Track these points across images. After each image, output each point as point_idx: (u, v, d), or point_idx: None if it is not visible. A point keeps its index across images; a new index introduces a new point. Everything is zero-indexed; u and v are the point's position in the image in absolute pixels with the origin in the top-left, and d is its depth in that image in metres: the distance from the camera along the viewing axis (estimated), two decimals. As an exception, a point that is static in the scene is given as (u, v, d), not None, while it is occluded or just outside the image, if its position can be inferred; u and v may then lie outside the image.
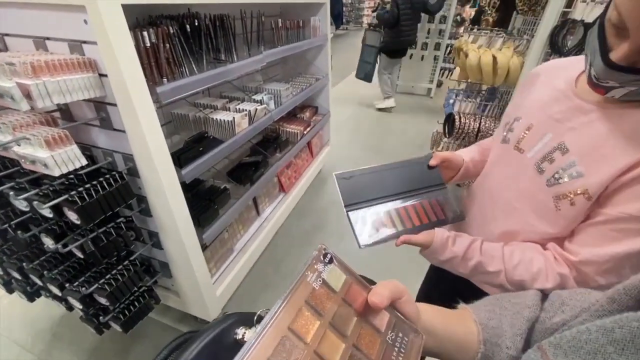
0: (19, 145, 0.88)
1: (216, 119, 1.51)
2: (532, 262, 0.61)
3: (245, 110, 1.59)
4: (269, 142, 2.15)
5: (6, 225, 1.08)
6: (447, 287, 0.77)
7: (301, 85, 2.24)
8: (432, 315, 0.43)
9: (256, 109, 1.62)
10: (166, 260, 1.36)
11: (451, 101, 2.17)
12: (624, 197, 0.52)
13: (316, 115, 2.72)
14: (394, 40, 3.88)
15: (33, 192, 0.95)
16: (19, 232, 1.06)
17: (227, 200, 1.61)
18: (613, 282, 0.52)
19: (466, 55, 1.94)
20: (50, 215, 0.97)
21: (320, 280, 0.37)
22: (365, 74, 4.14)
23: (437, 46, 4.76)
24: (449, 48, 4.82)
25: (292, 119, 2.53)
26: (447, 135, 2.18)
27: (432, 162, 0.76)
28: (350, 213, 0.66)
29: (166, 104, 1.56)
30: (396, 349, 0.36)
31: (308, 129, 2.44)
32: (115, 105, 0.98)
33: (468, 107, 2.11)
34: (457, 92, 2.22)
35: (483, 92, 2.21)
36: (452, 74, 5.50)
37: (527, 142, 0.66)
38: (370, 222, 0.66)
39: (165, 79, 1.11)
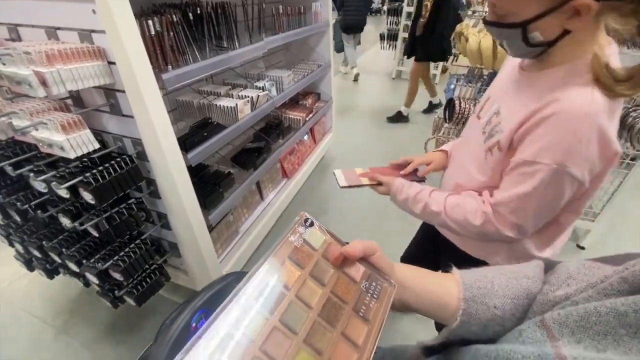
0: (36, 129, 0.94)
1: (219, 105, 1.56)
2: (466, 204, 0.77)
3: (248, 96, 1.63)
4: (272, 128, 2.20)
5: (26, 206, 1.17)
6: (428, 244, 1.03)
7: (303, 71, 2.26)
8: (406, 271, 0.49)
9: (258, 96, 1.66)
10: (175, 240, 1.44)
11: (452, 86, 2.18)
12: (522, 146, 0.65)
13: (318, 102, 2.74)
14: (342, 19, 4.74)
15: (51, 174, 1.02)
16: (38, 212, 1.14)
17: (232, 185, 1.68)
18: (522, 220, 0.71)
19: (467, 40, 1.94)
20: (67, 196, 1.04)
21: (301, 240, 0.43)
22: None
23: (442, 31, 4.69)
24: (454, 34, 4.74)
25: (294, 105, 2.57)
26: (448, 121, 2.19)
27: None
28: (335, 170, 1.01)
29: (171, 91, 1.61)
30: (369, 294, 0.41)
31: (310, 115, 2.47)
32: (123, 92, 1.03)
33: (469, 92, 2.12)
34: (458, 77, 2.22)
35: (484, 77, 2.21)
36: (457, 59, 5.43)
37: (484, 111, 0.80)
38: (349, 173, 0.99)
39: (170, 66, 1.16)
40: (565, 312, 0.33)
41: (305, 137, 2.67)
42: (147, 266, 1.33)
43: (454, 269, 0.54)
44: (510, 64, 0.78)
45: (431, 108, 4.13)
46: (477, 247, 0.88)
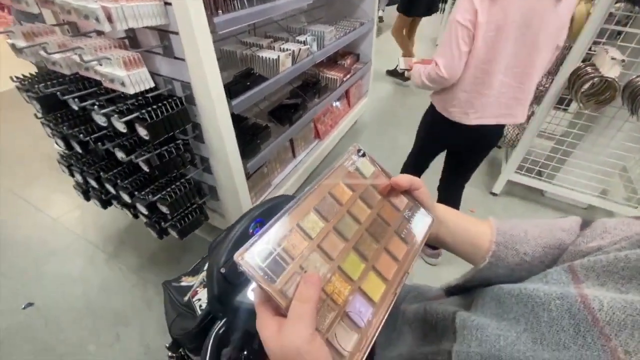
0: (100, 64, 1.02)
1: (262, 56, 1.57)
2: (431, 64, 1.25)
3: (289, 50, 1.63)
4: (309, 86, 2.20)
5: (88, 138, 1.28)
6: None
7: (345, 29, 2.20)
8: (445, 209, 0.51)
9: (300, 49, 1.66)
10: (214, 184, 1.54)
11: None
12: None
13: (357, 63, 2.68)
14: None
15: (111, 108, 1.11)
16: (98, 144, 1.26)
17: (268, 137, 1.73)
18: (442, 56, 1.18)
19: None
20: (124, 131, 1.14)
21: (354, 167, 0.46)
22: None
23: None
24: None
25: (332, 65, 2.53)
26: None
27: None
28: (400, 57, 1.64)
29: (217, 40, 1.64)
30: (410, 223, 0.45)
31: (348, 76, 2.43)
32: (177, 33, 1.07)
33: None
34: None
35: (540, 45, 2.05)
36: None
37: None
38: (408, 60, 1.49)
39: (220, 11, 1.18)
40: (594, 259, 0.34)
41: (338, 104, 2.64)
42: (189, 204, 1.44)
43: (491, 217, 0.56)
44: None
45: (393, 73, 3.97)
46: (433, 97, 1.41)
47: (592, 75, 1.57)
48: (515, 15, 1.06)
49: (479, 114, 1.28)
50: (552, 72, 1.87)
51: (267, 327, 0.31)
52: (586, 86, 1.60)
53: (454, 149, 1.54)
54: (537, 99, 1.94)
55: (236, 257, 0.32)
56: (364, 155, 0.48)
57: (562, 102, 1.88)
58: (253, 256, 0.32)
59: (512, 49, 1.12)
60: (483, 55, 1.14)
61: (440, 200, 1.66)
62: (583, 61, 1.67)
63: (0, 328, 1.52)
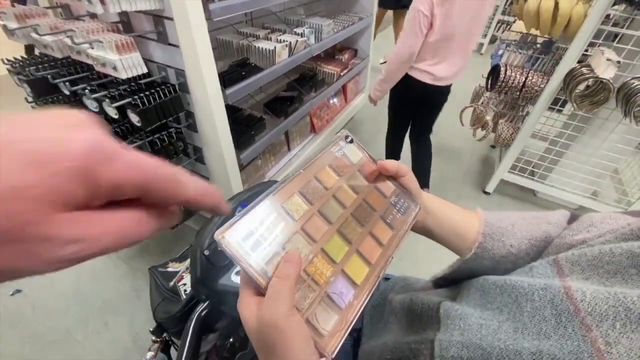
0: (92, 47, 1.00)
1: (258, 47, 1.56)
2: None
3: (286, 41, 1.62)
4: (305, 80, 2.19)
5: (79, 124, 1.26)
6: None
7: (343, 23, 2.18)
8: (432, 198, 0.51)
9: (297, 41, 1.64)
10: (207, 175, 1.53)
11: (500, 52, 2.04)
12: None
13: (355, 58, 2.67)
14: None
15: (102, 93, 1.09)
16: (89, 130, 1.24)
17: (263, 129, 1.72)
18: (403, 38, 1.47)
19: (525, 0, 1.78)
20: (116, 117, 1.12)
21: (341, 152, 0.46)
22: None
23: (498, -7, 4.29)
24: (510, -4, 4.32)
25: (329, 59, 2.51)
26: (489, 89, 2.09)
27: None
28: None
29: (213, 29, 1.62)
30: (396, 209, 0.45)
31: (345, 71, 2.42)
32: (171, 19, 1.05)
33: (517, 58, 1.99)
34: (508, 43, 2.07)
35: (538, 45, 2.05)
36: (510, 27, 4.98)
37: None
38: None
39: (216, -2, 1.17)
40: (579, 252, 0.34)
41: (336, 100, 2.63)
42: (181, 194, 1.43)
43: (478, 208, 0.56)
44: None
45: None
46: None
47: (587, 76, 1.58)
48: (459, 8, 1.36)
49: (433, 77, 1.60)
50: (548, 73, 1.88)
51: (246, 307, 0.31)
52: (581, 87, 1.61)
53: (416, 103, 1.79)
54: (532, 99, 1.95)
55: (216, 235, 0.31)
56: (352, 141, 0.48)
57: (556, 103, 1.89)
58: (233, 235, 0.32)
59: (460, 29, 1.45)
60: (439, 37, 1.44)
61: (414, 154, 1.96)
62: (579, 62, 1.68)
63: (-13, 314, 1.51)
